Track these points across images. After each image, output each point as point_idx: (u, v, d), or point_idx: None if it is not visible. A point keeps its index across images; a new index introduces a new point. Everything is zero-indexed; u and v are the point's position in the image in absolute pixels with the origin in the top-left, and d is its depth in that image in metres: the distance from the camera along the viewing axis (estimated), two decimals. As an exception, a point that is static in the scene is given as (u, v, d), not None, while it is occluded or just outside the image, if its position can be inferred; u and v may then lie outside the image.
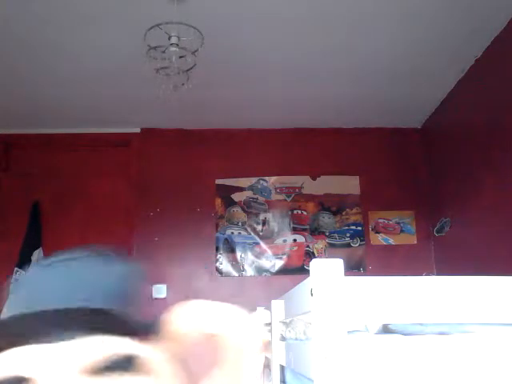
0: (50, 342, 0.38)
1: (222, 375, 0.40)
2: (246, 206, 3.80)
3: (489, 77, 2.86)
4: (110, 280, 0.43)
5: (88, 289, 0.42)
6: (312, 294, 0.87)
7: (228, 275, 3.68)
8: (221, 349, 0.40)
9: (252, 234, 3.74)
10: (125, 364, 0.38)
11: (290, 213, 3.80)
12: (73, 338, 0.39)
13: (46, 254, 3.63)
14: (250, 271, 3.68)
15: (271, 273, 3.68)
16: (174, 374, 0.40)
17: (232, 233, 3.75)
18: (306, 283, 0.95)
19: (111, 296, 0.43)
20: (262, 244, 3.72)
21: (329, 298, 0.85)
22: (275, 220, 3.78)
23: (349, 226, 3.78)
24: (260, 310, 2.25)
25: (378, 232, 3.77)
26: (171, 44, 2.27)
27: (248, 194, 3.82)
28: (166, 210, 3.75)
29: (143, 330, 0.41)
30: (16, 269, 3.53)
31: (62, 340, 0.39)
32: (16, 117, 3.67)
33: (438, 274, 3.60)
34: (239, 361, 0.40)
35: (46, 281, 0.43)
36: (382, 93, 3.41)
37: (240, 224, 3.77)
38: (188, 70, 2.41)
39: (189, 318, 0.40)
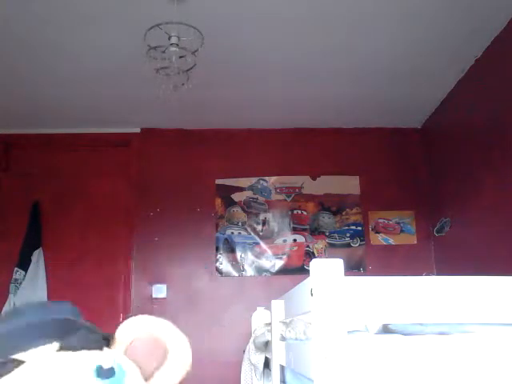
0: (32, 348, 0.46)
1: (165, 368, 0.51)
2: (246, 206, 3.80)
3: (489, 77, 2.86)
4: (65, 308, 0.53)
5: (55, 309, 0.52)
6: (312, 294, 0.87)
7: (228, 275, 3.68)
8: (160, 348, 0.50)
9: (252, 233, 3.74)
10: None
11: (290, 213, 3.80)
12: (50, 343, 0.46)
13: (46, 254, 3.63)
14: (249, 271, 3.68)
15: (271, 273, 3.68)
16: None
17: (232, 233, 3.75)
18: (306, 283, 0.95)
19: (72, 315, 0.52)
20: (262, 244, 3.72)
21: (329, 298, 0.85)
22: (275, 220, 3.78)
23: (349, 225, 3.78)
24: (260, 309, 2.25)
25: (377, 232, 3.77)
26: (171, 44, 2.26)
27: (248, 194, 3.82)
28: (166, 210, 3.75)
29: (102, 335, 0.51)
30: (16, 269, 3.53)
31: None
32: (16, 117, 3.67)
33: (438, 274, 3.60)
34: (176, 357, 0.51)
35: (18, 318, 0.51)
36: (382, 93, 3.41)
37: (240, 224, 3.77)
38: (188, 70, 2.41)
39: (135, 327, 0.51)
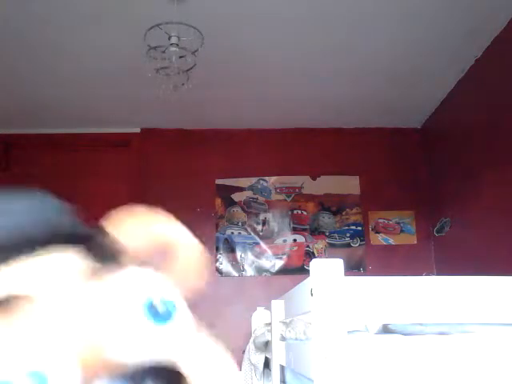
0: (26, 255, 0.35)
1: (178, 269, 0.44)
2: (246, 206, 3.80)
3: (489, 77, 2.86)
4: (49, 204, 0.42)
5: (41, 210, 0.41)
6: (312, 294, 0.87)
7: (228, 275, 3.68)
8: (172, 248, 0.44)
9: (252, 234, 3.74)
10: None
11: (290, 213, 3.80)
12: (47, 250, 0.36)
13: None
14: (249, 271, 3.68)
15: (271, 273, 3.68)
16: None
17: (232, 233, 3.75)
18: (306, 283, 0.95)
19: (58, 212, 0.42)
20: (262, 244, 3.72)
21: (329, 298, 0.85)
22: (275, 220, 3.78)
23: (349, 225, 3.78)
24: (260, 309, 2.25)
25: (378, 232, 3.77)
26: (171, 44, 2.27)
27: (248, 194, 3.82)
28: (166, 209, 3.74)
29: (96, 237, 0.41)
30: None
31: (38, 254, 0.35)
32: (16, 117, 3.67)
33: (438, 274, 3.60)
34: (189, 258, 0.44)
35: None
36: (382, 93, 3.41)
37: (240, 224, 3.77)
38: (188, 70, 2.41)
39: (137, 224, 0.43)
